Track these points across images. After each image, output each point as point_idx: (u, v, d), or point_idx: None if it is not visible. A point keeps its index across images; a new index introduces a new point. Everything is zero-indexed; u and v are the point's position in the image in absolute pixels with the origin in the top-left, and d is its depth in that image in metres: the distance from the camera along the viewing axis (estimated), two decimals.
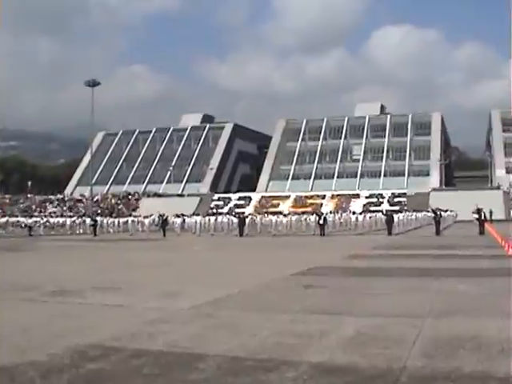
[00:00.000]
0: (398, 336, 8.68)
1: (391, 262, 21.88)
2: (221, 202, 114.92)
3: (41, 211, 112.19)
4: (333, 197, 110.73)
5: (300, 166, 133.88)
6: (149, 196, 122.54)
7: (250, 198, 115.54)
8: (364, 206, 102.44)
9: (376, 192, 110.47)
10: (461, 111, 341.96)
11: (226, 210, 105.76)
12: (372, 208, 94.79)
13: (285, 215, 62.43)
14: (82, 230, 63.77)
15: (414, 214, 64.46)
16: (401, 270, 18.35)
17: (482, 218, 45.51)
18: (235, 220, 54.99)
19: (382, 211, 66.76)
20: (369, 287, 14.52)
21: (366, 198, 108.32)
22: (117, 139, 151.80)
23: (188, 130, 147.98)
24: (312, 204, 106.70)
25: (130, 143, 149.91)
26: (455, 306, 11.44)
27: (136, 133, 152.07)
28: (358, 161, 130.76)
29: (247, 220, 55.15)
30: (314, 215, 54.96)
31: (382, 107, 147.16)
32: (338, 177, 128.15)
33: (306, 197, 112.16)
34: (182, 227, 60.43)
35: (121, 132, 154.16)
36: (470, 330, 8.99)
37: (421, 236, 44.14)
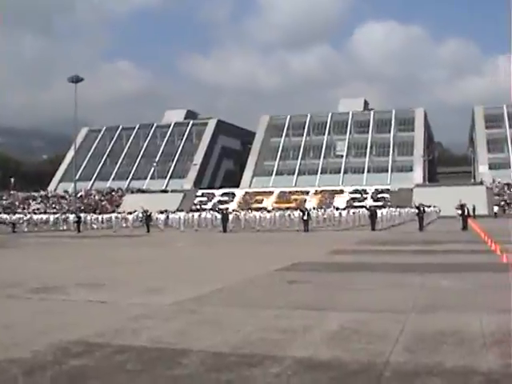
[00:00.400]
0: (381, 331, 8.71)
1: (375, 257, 21.96)
2: (204, 198, 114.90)
3: (24, 208, 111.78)
4: (316, 192, 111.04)
5: (284, 162, 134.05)
6: (132, 192, 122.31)
7: (233, 194, 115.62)
8: (347, 201, 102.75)
9: (359, 188, 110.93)
10: (444, 107, 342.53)
11: (209, 205, 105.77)
12: (355, 204, 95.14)
13: (268, 211, 62.51)
14: (65, 227, 63.58)
15: (398, 209, 64.72)
16: (384, 266, 18.41)
17: (465, 213, 45.75)
18: (219, 216, 55.03)
19: (365, 207, 67.00)
20: (352, 282, 14.55)
21: (350, 193, 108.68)
22: (100, 135, 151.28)
23: (171, 126, 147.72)
24: (296, 200, 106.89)
25: (114, 139, 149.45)
26: (438, 301, 11.48)
27: (119, 129, 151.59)
28: (342, 157, 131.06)
29: (231, 216, 55.17)
30: (298, 211, 55.04)
31: (366, 103, 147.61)
32: (321, 172, 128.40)
33: (290, 192, 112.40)
34: (165, 223, 60.39)
35: (104, 128, 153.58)
36: (453, 325, 9.03)
37: (404, 232, 44.32)
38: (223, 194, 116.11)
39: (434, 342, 7.97)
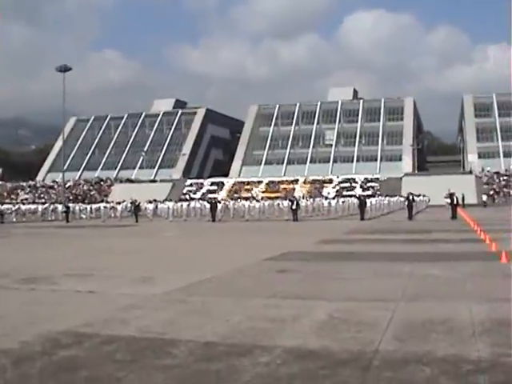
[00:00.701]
0: (370, 320, 8.73)
1: (364, 246, 22.00)
2: (193, 188, 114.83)
3: (12, 198, 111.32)
4: (305, 182, 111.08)
5: (273, 151, 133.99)
6: (121, 182, 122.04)
7: (222, 184, 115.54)
8: (337, 190, 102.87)
9: (349, 177, 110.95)
10: (433, 96, 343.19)
11: (198, 195, 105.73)
12: (345, 193, 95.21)
13: (257, 200, 62.51)
14: (54, 217, 63.36)
15: (387, 198, 64.85)
16: (373, 255, 18.45)
17: (455, 202, 45.85)
18: (208, 205, 54.95)
19: (354, 196, 67.09)
20: (341, 272, 14.57)
21: (339, 182, 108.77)
22: (88, 125, 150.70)
23: (160, 116, 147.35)
24: (285, 189, 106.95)
25: (102, 129, 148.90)
26: (427, 290, 11.52)
27: (108, 118, 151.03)
28: (331, 146, 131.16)
29: (220, 205, 55.12)
30: (287, 200, 55.08)
31: (355, 92, 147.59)
32: (310, 162, 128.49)
33: (279, 182, 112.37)
34: (154, 213, 60.35)
35: (92, 118, 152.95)
36: (443, 313, 9.06)
37: (393, 221, 44.41)
38: (212, 184, 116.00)
39: (423, 331, 8.00)
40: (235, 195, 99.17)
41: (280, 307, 9.94)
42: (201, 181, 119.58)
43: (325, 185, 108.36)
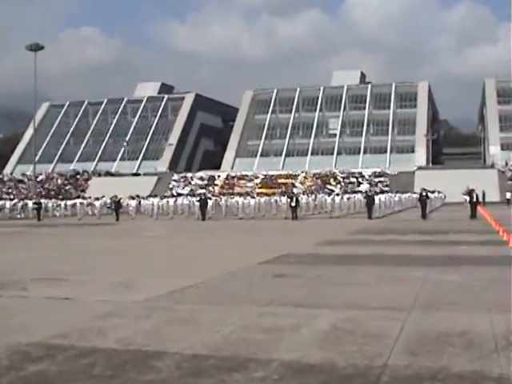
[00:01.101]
0: (378, 331, 8.72)
1: (371, 248, 21.97)
2: (181, 182, 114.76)
3: None
4: (306, 176, 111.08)
5: (270, 142, 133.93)
6: (100, 175, 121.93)
7: (213, 178, 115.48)
8: (341, 186, 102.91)
9: (355, 171, 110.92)
10: (451, 80, 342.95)
11: (186, 190, 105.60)
12: (350, 189, 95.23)
13: (253, 196, 62.44)
14: (23, 215, 63.22)
15: (398, 195, 64.81)
16: (382, 258, 18.48)
17: (474, 199, 45.80)
18: (197, 202, 54.87)
19: (361, 192, 67.05)
20: (346, 277, 14.60)
21: (344, 177, 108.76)
22: (63, 111, 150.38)
23: (144, 101, 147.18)
24: (283, 184, 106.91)
25: (79, 116, 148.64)
26: (443, 297, 11.52)
27: (85, 104, 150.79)
28: (335, 136, 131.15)
29: (210, 202, 55.08)
30: (286, 197, 55.03)
31: (363, 75, 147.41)
32: (312, 154, 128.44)
33: (277, 176, 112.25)
34: (137, 210, 60.24)
35: (68, 103, 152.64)
36: (460, 324, 9.05)
37: (405, 220, 44.44)
38: (202, 178, 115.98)
39: (438, 344, 7.98)
40: (228, 191, 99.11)
41: (277, 316, 9.94)
42: (189, 174, 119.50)
43: (328, 180, 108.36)
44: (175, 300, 11.71)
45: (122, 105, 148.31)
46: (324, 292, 12.43)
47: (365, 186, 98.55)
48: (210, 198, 58.30)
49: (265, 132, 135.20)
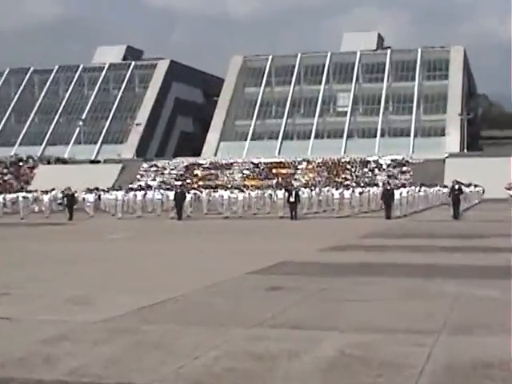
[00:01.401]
0: (398, 359, 8.71)
1: (390, 256, 22.06)
2: (152, 172, 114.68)
3: None
4: (309, 165, 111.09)
5: (263, 122, 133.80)
6: (49, 162, 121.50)
7: (192, 167, 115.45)
8: (352, 177, 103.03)
9: (370, 159, 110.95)
10: (493, 45, 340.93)
11: (158, 182, 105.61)
12: (364, 181, 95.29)
13: (242, 190, 62.45)
14: None
15: (423, 189, 64.86)
16: (403, 268, 18.51)
17: None
18: (172, 196, 54.85)
19: (377, 185, 67.06)
20: (357, 291, 14.62)
21: (356, 166, 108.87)
22: (2, 80, 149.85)
23: (105, 70, 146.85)
24: (280, 175, 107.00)
25: (22, 86, 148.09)
26: (479, 318, 11.53)
27: (30, 71, 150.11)
28: (345, 114, 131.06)
29: (189, 196, 55.03)
30: (283, 190, 55.05)
31: (380, 39, 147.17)
32: (316, 137, 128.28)
33: (272, 165, 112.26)
34: (96, 207, 60.17)
35: (7, 70, 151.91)
36: (501, 352, 9.01)
37: (432, 220, 44.54)
38: (178, 167, 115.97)
39: (473, 377, 7.97)
40: (210, 183, 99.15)
41: (271, 340, 9.93)
42: (162, 162, 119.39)
43: (336, 169, 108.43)
44: (144, 319, 11.70)
45: (77, 74, 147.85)
46: (330, 310, 12.46)
47: (382, 178, 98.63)
48: (189, 192, 58.25)
49: (257, 109, 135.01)
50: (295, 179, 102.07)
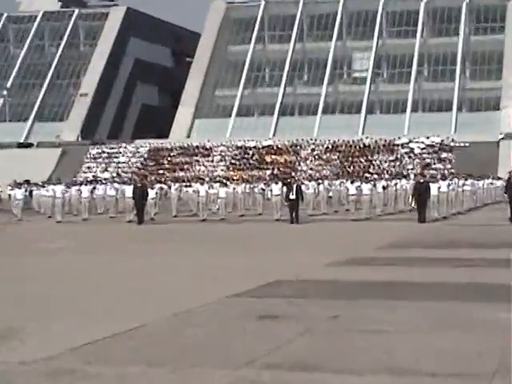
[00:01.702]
0: None
1: (422, 272, 22.13)
2: (102, 160, 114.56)
3: None
4: (315, 150, 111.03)
5: (253, 92, 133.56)
6: None
7: (157, 152, 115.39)
8: (374, 166, 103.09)
9: (398, 141, 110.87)
10: None
11: (111, 173, 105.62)
12: (389, 171, 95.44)
13: (224, 184, 62.53)
14: None
15: (470, 181, 64.87)
16: (440, 288, 18.61)
17: None
18: (130, 193, 54.86)
19: (407, 177, 67.14)
20: (376, 319, 14.65)
21: (379, 151, 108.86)
22: None
23: (38, 20, 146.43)
24: (276, 163, 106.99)
25: None
26: None
27: None
28: (364, 82, 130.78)
29: (152, 193, 55.03)
30: (279, 184, 55.09)
31: None
32: (324, 112, 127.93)
33: (265, 149, 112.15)
34: (26, 206, 60.16)
35: None
36: None
37: (482, 224, 44.59)
38: (138, 152, 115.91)
39: None
40: (182, 174, 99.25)
41: None
42: (116, 146, 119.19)
43: (351, 155, 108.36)
44: (91, 358, 11.70)
45: (0, 25, 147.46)
46: (341, 345, 12.50)
47: (414, 168, 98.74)
48: (153, 187, 58.32)
49: (244, 75, 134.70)
50: (296, 169, 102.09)
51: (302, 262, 25.50)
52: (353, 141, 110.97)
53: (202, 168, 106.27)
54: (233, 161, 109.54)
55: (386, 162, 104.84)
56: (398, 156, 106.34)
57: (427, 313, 15.17)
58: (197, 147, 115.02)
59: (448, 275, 21.20)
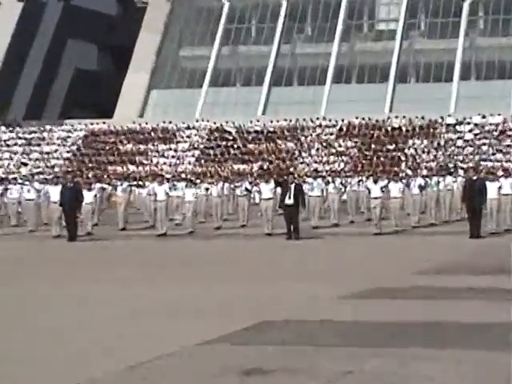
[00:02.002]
0: None
1: (470, 307, 22.36)
2: (17, 148, 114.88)
3: None
4: (323, 133, 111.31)
5: (233, 50, 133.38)
6: None
7: (98, 138, 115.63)
8: (407, 157, 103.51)
9: (440, 122, 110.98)
10: None
11: (30, 168, 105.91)
12: (429, 164, 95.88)
13: (193, 183, 62.92)
14: None
15: None
16: (488, 331, 18.77)
17: None
18: (57, 196, 55.07)
19: (453, 173, 67.57)
20: (408, 375, 14.74)
21: (413, 135, 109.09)
22: None
23: None
24: (267, 153, 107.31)
25: None
26: None
27: None
28: (393, 36, 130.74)
29: (90, 196, 55.24)
30: (272, 184, 55.38)
31: None
32: (335, 80, 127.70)
33: (252, 134, 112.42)
34: None
35: None
36: None
37: None
38: (69, 137, 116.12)
39: None
40: (132, 169, 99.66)
41: None
42: (39, 129, 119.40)
43: (375, 142, 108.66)
44: None
45: None
46: None
47: (464, 160, 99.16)
48: (90, 188, 58.56)
49: (222, 26, 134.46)
50: (296, 162, 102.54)
51: (302, 294, 25.71)
52: (376, 121, 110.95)
53: (162, 160, 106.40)
54: (205, 150, 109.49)
55: (424, 151, 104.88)
56: (442, 143, 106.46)
57: (474, 365, 15.27)
58: (153, 130, 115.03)
59: (502, 312, 21.32)
